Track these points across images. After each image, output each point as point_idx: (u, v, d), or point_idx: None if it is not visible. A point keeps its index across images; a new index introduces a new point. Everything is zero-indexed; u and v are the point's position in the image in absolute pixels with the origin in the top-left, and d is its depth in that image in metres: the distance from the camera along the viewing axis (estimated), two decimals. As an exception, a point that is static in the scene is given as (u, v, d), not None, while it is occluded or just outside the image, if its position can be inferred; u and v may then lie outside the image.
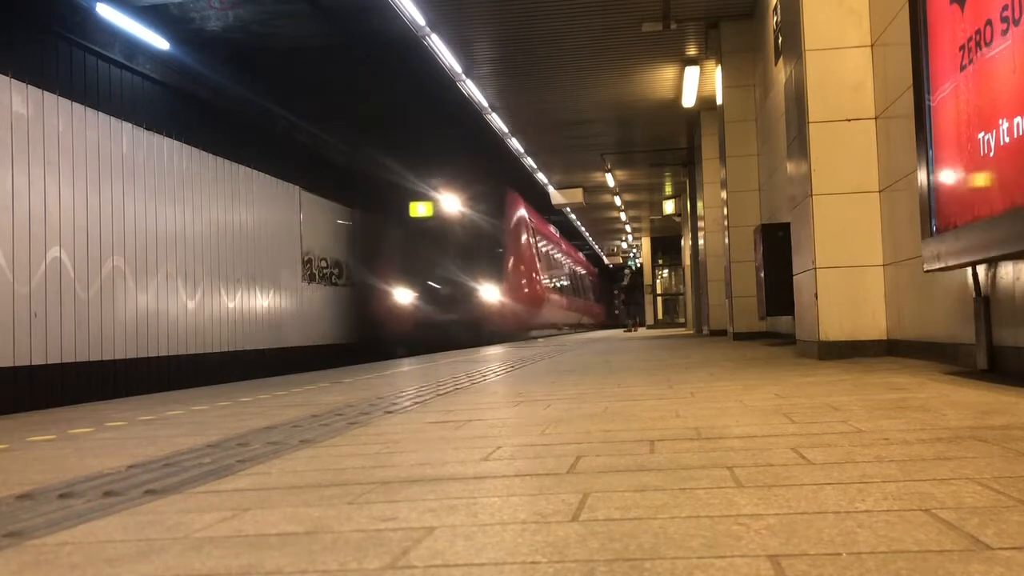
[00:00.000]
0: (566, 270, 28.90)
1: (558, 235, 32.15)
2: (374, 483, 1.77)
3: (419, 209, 19.16)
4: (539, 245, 22.99)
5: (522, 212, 20.83)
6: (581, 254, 39.44)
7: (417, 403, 3.60)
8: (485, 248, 18.61)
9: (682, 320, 36.02)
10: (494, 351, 10.95)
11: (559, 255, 27.51)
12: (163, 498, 1.71)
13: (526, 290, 19.60)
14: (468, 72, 13.27)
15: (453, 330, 17.47)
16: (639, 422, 2.60)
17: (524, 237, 20.55)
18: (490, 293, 18.26)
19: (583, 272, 35.56)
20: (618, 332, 25.51)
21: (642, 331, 25.55)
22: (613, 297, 58.54)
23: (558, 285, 26.13)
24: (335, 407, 3.57)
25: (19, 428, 3.25)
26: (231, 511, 1.55)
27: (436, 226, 19.05)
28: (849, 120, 5.85)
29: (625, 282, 24.94)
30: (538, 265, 21.52)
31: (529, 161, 20.15)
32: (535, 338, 21.07)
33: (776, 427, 2.35)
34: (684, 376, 4.55)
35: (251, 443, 2.49)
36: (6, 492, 1.84)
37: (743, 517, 1.32)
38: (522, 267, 19.72)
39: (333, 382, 5.37)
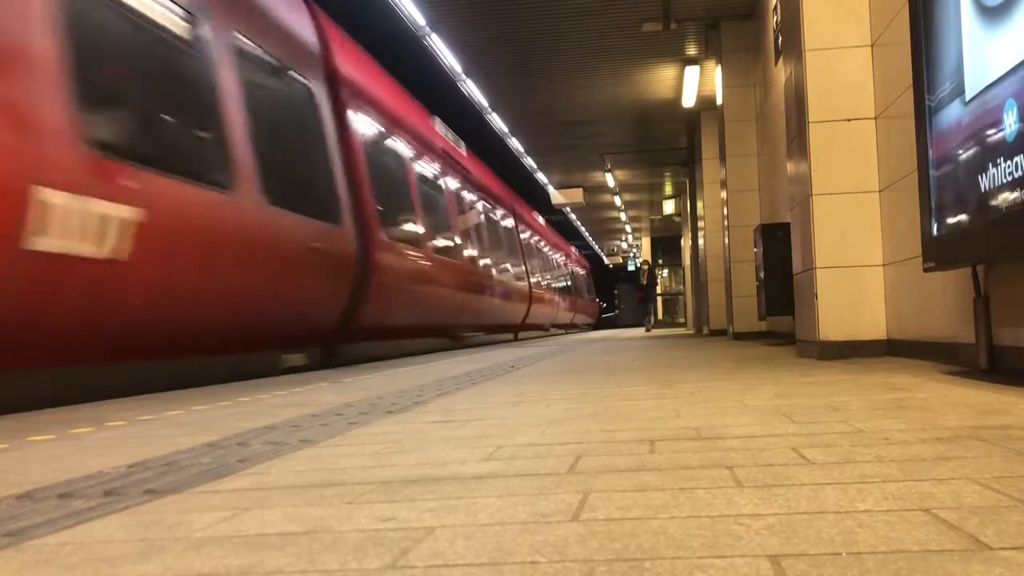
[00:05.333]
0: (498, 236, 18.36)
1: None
2: (374, 483, 1.77)
3: None
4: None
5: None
6: (552, 231, 30.34)
7: (417, 403, 3.60)
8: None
9: (682, 320, 36.06)
10: (494, 351, 10.95)
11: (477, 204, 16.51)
12: (163, 498, 1.71)
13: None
14: (468, 72, 13.28)
15: None
16: (639, 422, 2.60)
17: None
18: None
19: (546, 248, 26.20)
20: (615, 332, 25.21)
21: (641, 331, 25.41)
22: (608, 292, 56.28)
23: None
24: (335, 407, 3.57)
25: (19, 428, 3.25)
26: (231, 511, 1.55)
27: None
28: (849, 120, 5.86)
29: (644, 280, 23.27)
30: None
31: (529, 161, 20.17)
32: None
33: (776, 427, 2.35)
34: (684, 376, 4.55)
35: (251, 443, 2.49)
36: (6, 492, 1.84)
37: (743, 517, 1.32)
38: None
39: (333, 381, 5.37)
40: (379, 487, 1.72)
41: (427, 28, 11.22)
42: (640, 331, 24.26)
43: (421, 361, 8.44)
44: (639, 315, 25.95)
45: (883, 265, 5.79)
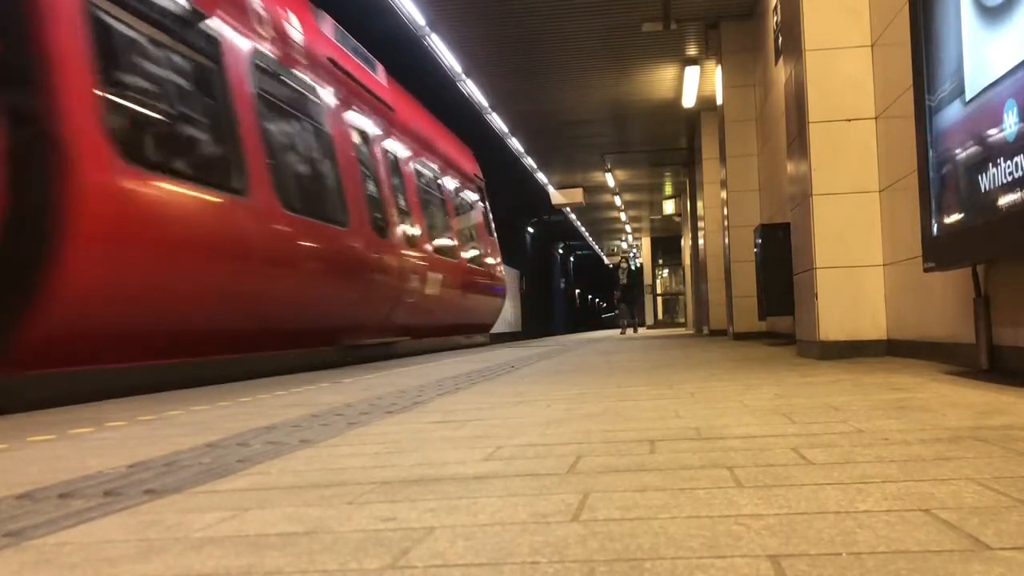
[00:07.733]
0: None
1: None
2: (374, 483, 1.77)
3: None
4: None
5: None
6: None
7: (417, 403, 3.60)
8: None
9: (682, 320, 36.03)
10: (494, 351, 10.95)
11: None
12: (163, 498, 1.71)
13: None
14: (468, 72, 13.28)
15: None
16: (639, 422, 2.60)
17: None
18: None
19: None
20: (614, 332, 25.17)
21: (641, 331, 25.36)
22: (608, 292, 54.73)
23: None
24: (335, 407, 3.57)
25: (19, 428, 3.25)
26: (231, 511, 1.55)
27: None
28: (849, 120, 5.85)
29: (624, 279, 23.09)
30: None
31: (529, 161, 20.16)
32: None
33: (776, 427, 2.35)
34: (684, 376, 4.55)
35: (251, 443, 2.49)
36: (6, 492, 1.84)
37: (743, 517, 1.32)
38: None
39: (333, 381, 5.37)
40: (379, 487, 1.72)
41: (427, 28, 11.22)
42: (640, 332, 24.19)
43: (422, 361, 8.45)
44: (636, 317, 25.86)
45: (883, 265, 5.79)
